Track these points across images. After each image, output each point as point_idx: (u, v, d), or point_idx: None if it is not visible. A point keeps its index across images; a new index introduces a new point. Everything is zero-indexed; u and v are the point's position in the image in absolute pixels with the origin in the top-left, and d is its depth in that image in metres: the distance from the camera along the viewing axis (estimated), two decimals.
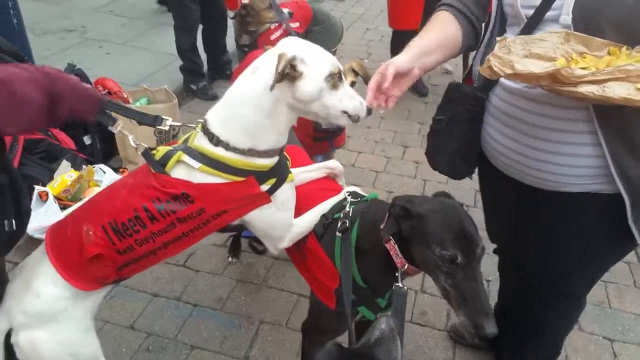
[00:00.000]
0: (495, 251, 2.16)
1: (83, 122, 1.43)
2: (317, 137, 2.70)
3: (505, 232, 1.95)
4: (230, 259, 2.81)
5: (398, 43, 4.32)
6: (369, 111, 1.46)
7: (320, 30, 3.96)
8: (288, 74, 1.31)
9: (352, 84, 2.59)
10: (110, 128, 1.45)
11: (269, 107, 1.35)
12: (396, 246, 1.39)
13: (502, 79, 1.53)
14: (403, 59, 1.50)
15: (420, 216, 1.34)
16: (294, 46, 1.37)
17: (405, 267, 1.39)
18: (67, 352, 1.45)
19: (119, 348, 2.29)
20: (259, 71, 1.37)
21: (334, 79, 1.38)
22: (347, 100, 1.41)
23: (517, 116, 1.51)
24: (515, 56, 1.24)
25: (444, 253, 1.27)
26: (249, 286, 2.68)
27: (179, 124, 1.50)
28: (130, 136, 1.46)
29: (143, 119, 1.50)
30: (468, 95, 1.67)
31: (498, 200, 1.89)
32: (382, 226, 1.43)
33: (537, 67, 1.18)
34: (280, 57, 1.30)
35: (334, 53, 3.85)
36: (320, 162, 3.00)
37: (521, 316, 1.95)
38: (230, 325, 2.45)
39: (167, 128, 1.48)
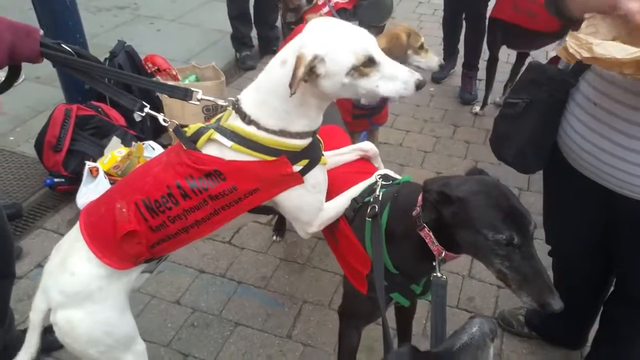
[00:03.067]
0: (550, 253, 2.01)
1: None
2: (355, 114, 2.65)
3: (580, 242, 1.79)
4: (274, 237, 2.81)
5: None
6: (420, 86, 1.33)
7: (369, 4, 3.84)
8: (306, 80, 1.27)
9: (421, 47, 2.53)
10: (137, 113, 1.45)
11: (297, 99, 1.32)
12: (431, 233, 1.32)
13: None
14: None
15: (462, 200, 1.25)
16: (316, 39, 1.29)
17: (443, 254, 1.33)
18: (104, 331, 1.47)
19: (164, 323, 2.33)
20: (286, 65, 1.32)
21: (360, 70, 1.28)
22: (383, 85, 1.32)
23: (613, 111, 1.33)
24: (601, 37, 1.09)
25: (499, 237, 1.20)
26: (292, 265, 2.67)
27: (209, 97, 1.47)
28: (160, 115, 1.46)
29: (173, 91, 1.47)
30: (553, 79, 1.49)
31: (571, 204, 1.71)
32: (414, 213, 1.36)
33: (621, 52, 1.04)
34: (298, 59, 1.25)
35: (382, 28, 3.74)
36: (364, 139, 2.98)
37: (624, 324, 1.80)
38: (273, 303, 2.46)
39: (197, 103, 1.46)
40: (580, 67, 1.43)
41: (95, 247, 1.42)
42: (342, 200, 1.58)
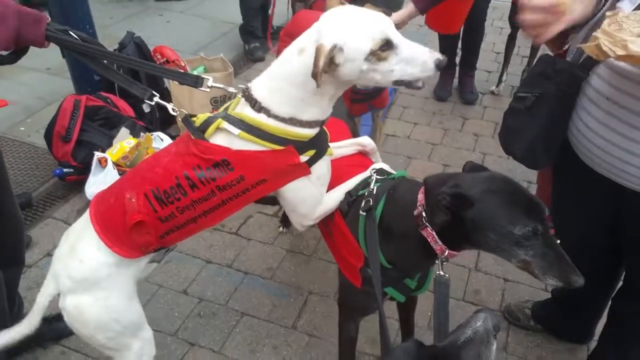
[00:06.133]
0: None
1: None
2: (354, 98, 2.64)
3: (589, 235, 1.77)
4: (281, 229, 2.82)
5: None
6: (440, 65, 1.29)
7: None
8: (326, 71, 1.26)
9: None
10: (146, 101, 1.45)
11: (314, 87, 1.31)
12: (434, 232, 1.32)
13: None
14: None
15: (482, 201, 1.24)
16: (333, 27, 1.28)
17: (446, 253, 1.33)
18: (111, 318, 1.49)
19: (171, 312, 2.35)
20: (304, 54, 1.31)
21: (378, 54, 1.27)
22: (401, 67, 1.29)
23: (627, 106, 1.31)
24: (628, 34, 1.07)
25: (526, 230, 1.21)
26: (298, 257, 2.68)
27: (220, 85, 1.47)
28: (169, 105, 1.46)
29: (183, 78, 1.47)
30: (563, 72, 1.47)
31: (581, 199, 1.69)
32: (415, 212, 1.35)
33: None
34: (318, 51, 1.24)
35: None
36: (365, 123, 2.97)
37: (632, 319, 1.79)
38: (279, 294, 2.47)
39: (208, 90, 1.46)
40: (592, 62, 1.40)
41: (105, 236, 1.43)
42: (338, 194, 1.58)
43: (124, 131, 3.10)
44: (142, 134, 3.14)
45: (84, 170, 2.95)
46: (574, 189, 1.68)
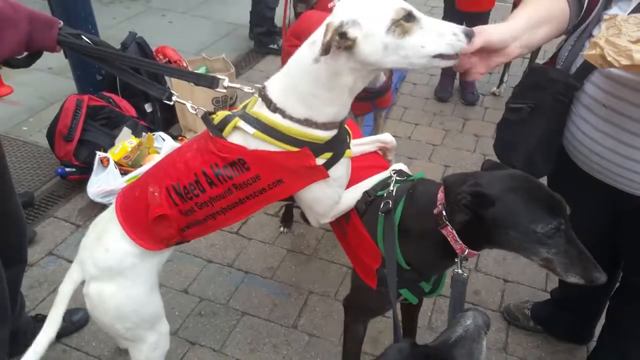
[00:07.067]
0: None
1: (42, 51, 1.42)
2: (358, 96, 2.64)
3: (587, 238, 1.76)
4: (282, 228, 2.83)
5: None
6: (470, 35, 1.18)
7: None
8: (339, 46, 1.19)
9: None
10: (165, 100, 1.47)
11: (328, 80, 1.27)
12: (454, 231, 1.30)
13: None
14: (500, 30, 1.23)
15: (502, 199, 1.22)
16: (344, 8, 1.22)
17: (466, 252, 1.32)
18: (132, 308, 1.51)
19: (172, 311, 2.36)
20: (315, 45, 1.26)
21: (401, 25, 1.16)
22: (432, 40, 1.18)
23: (622, 111, 1.32)
24: (626, 38, 1.05)
25: (549, 228, 1.20)
26: (299, 256, 2.69)
27: (236, 85, 1.47)
28: (188, 103, 1.47)
29: (198, 79, 1.47)
30: (557, 82, 1.45)
31: (578, 203, 1.63)
32: (435, 211, 1.34)
33: None
34: (327, 26, 1.19)
35: None
36: (367, 123, 2.96)
37: (630, 319, 1.79)
38: (280, 294, 2.48)
39: (224, 91, 1.47)
40: (586, 70, 1.40)
41: (129, 228, 1.46)
42: (355, 193, 1.57)
43: (125, 131, 3.12)
44: (143, 133, 3.16)
45: (86, 170, 2.96)
46: (571, 194, 1.68)
